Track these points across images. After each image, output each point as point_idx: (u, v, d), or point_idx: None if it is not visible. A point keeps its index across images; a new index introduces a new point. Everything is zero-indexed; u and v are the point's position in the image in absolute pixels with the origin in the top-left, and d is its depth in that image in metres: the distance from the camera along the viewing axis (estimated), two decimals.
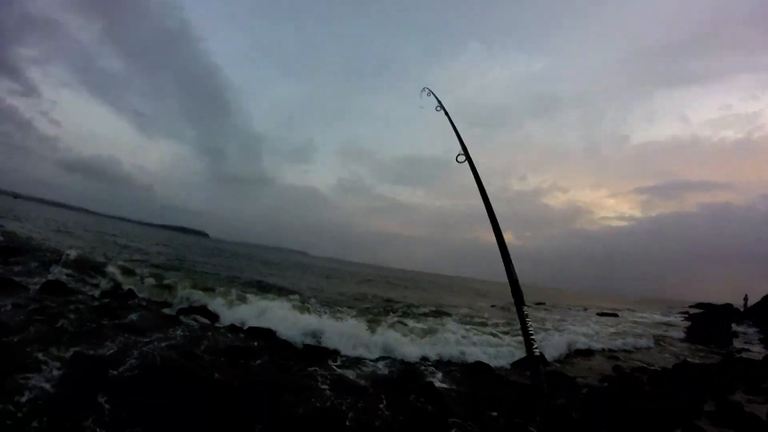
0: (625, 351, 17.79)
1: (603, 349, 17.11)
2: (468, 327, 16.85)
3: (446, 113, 2.90)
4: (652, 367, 14.44)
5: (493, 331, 16.46)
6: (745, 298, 46.52)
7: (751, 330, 29.96)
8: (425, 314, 20.46)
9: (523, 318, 2.28)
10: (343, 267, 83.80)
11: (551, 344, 14.89)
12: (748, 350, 20.36)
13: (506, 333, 16.48)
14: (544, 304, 44.13)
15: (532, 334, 2.35)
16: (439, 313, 21.26)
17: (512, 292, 2.39)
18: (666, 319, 40.16)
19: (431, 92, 3.37)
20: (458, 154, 2.76)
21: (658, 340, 22.50)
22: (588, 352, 16.14)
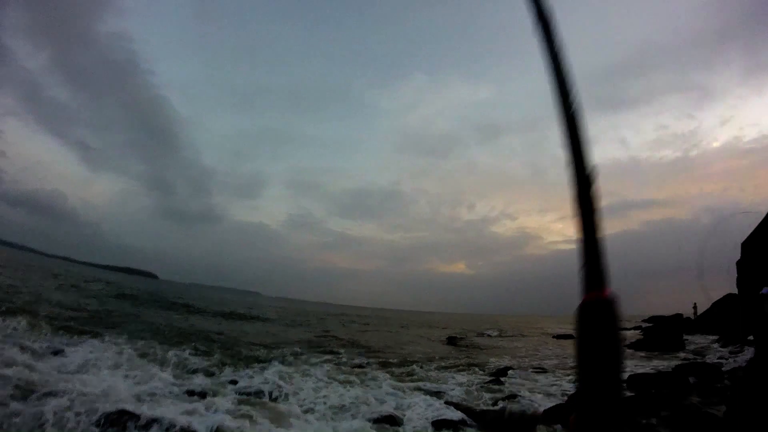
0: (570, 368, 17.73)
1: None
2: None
3: None
4: None
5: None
6: (695, 307, 48.24)
7: (702, 337, 30.92)
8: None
9: None
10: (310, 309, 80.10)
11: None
12: (700, 356, 20.84)
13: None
14: (502, 330, 44.76)
15: None
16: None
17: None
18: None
19: None
20: None
21: None
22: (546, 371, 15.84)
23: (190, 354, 13.65)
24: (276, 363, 13.98)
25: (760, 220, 24.49)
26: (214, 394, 9.41)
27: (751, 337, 20.28)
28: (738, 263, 30.90)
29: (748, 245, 27.59)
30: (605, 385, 1.24)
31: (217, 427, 7.26)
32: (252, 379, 11.25)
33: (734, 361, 17.30)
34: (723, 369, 15.08)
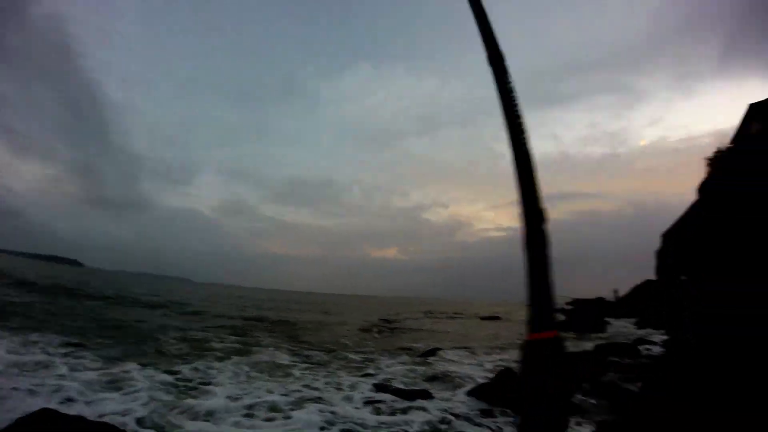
0: (505, 346, 18.43)
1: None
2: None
3: None
4: None
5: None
6: (615, 291, 51.47)
7: (622, 320, 32.85)
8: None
9: None
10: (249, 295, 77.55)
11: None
12: (620, 336, 22.10)
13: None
14: (432, 313, 45.79)
15: None
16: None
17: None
18: None
19: None
20: None
21: None
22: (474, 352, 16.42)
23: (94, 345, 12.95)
24: (203, 353, 13.57)
25: (680, 213, 26.32)
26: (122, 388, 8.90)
27: (666, 320, 21.83)
28: (657, 252, 33.03)
29: (667, 236, 29.51)
30: (549, 425, 1.24)
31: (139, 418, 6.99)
32: (167, 373, 10.45)
33: (651, 342, 18.37)
34: (640, 349, 15.93)
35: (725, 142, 26.35)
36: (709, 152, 25.97)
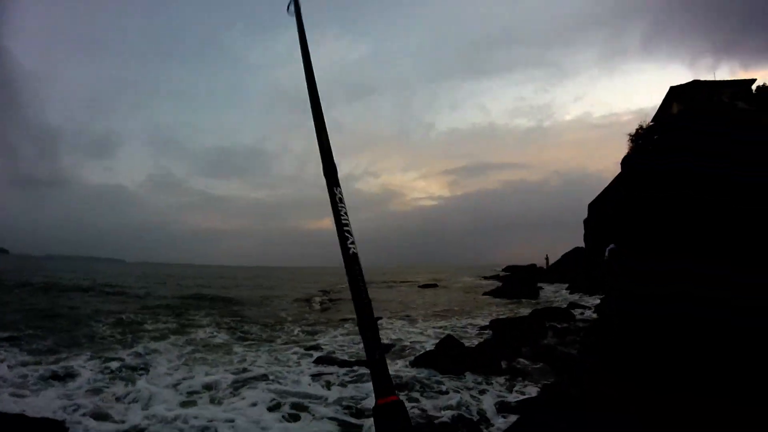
0: (445, 313, 18.88)
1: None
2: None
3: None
4: (474, 323, 16.17)
5: None
6: (546, 258, 53.68)
7: (554, 285, 34.36)
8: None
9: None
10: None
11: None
12: (553, 301, 23.13)
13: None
14: (372, 282, 46.08)
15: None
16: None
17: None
18: (481, 282, 45.16)
19: None
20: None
21: (476, 299, 24.58)
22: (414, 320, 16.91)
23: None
24: (140, 337, 13.06)
25: (605, 185, 27.75)
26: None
27: (596, 285, 23.03)
28: (585, 221, 34.73)
29: (593, 206, 31.08)
30: None
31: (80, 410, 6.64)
32: (105, 360, 9.93)
33: (584, 306, 19.31)
34: (573, 313, 16.70)
35: (647, 120, 28.05)
36: (632, 129, 27.64)
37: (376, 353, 1.31)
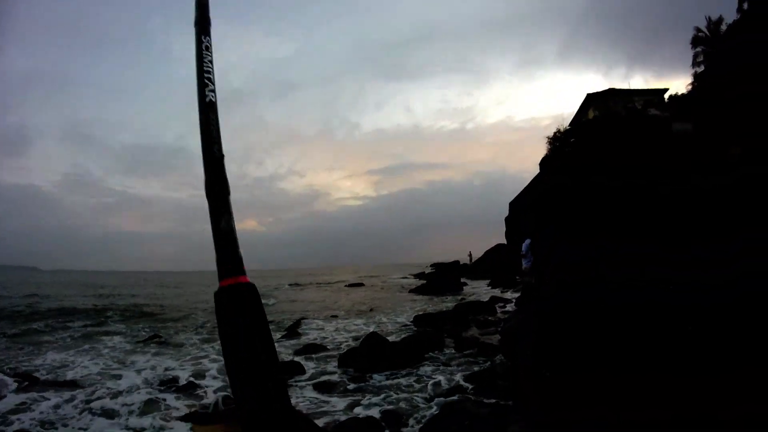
0: (370, 311, 19.02)
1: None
2: None
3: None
4: (399, 320, 16.39)
5: None
6: (470, 255, 55.37)
7: (477, 281, 35.41)
8: None
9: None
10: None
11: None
12: (476, 296, 23.78)
13: None
14: (299, 284, 45.89)
15: None
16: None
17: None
18: (408, 280, 45.93)
19: None
20: None
21: (401, 297, 24.95)
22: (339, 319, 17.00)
23: None
24: (54, 348, 12.26)
25: (525, 185, 29.04)
26: None
27: (516, 279, 23.94)
28: (506, 219, 36.09)
29: (514, 205, 32.39)
30: (258, 370, 1.28)
31: None
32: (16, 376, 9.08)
33: (505, 299, 20.04)
34: (495, 307, 17.31)
35: (564, 124, 29.64)
36: (550, 132, 29.14)
37: (222, 220, 1.41)
